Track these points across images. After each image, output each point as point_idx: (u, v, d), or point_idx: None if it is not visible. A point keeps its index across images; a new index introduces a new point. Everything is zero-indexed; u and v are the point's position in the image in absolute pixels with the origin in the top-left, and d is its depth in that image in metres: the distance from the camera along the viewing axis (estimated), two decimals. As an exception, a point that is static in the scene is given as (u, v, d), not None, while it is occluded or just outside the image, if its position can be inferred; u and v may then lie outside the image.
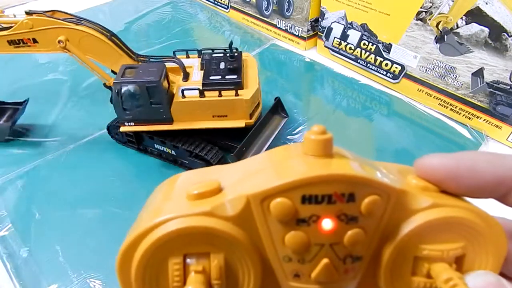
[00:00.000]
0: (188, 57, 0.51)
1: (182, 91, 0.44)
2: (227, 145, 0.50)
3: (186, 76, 0.47)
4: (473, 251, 0.14)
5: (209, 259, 0.14)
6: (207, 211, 0.14)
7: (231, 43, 0.47)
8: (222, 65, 0.46)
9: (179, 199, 0.14)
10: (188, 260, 0.14)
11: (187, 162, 0.48)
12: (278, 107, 0.54)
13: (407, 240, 0.14)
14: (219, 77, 0.45)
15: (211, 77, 0.45)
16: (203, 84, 0.44)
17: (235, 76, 0.45)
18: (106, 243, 0.40)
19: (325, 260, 0.14)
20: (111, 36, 0.46)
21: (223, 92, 0.43)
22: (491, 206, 0.17)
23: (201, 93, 0.43)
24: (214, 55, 0.49)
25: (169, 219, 0.13)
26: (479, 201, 0.15)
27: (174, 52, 0.50)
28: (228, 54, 0.48)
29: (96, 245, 0.40)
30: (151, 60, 0.48)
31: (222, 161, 0.48)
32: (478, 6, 0.48)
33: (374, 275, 0.15)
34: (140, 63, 0.47)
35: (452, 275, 0.13)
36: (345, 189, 0.13)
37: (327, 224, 0.13)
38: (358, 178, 0.13)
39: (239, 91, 0.44)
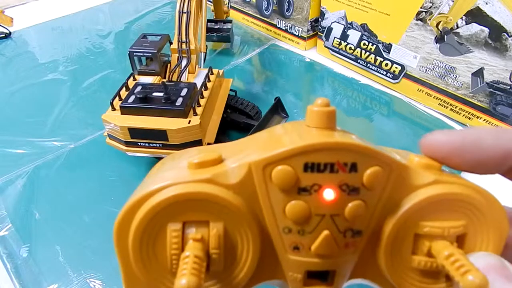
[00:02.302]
0: None
1: None
2: (227, 145, 0.50)
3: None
4: (474, 231, 0.14)
5: (208, 228, 0.14)
6: (208, 178, 0.13)
7: None
8: None
9: (179, 168, 0.14)
10: (186, 228, 0.14)
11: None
12: (278, 107, 0.54)
13: (408, 216, 0.14)
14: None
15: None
16: None
17: None
18: (106, 243, 0.40)
19: (325, 232, 0.14)
20: None
21: None
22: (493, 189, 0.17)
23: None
24: None
25: (169, 185, 0.13)
26: (482, 182, 0.15)
27: None
28: None
29: (96, 245, 0.40)
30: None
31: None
32: (478, 6, 0.48)
33: (374, 253, 0.15)
34: None
35: (454, 251, 0.13)
36: (348, 158, 0.13)
37: (329, 194, 0.13)
38: (361, 147, 0.13)
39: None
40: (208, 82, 0.46)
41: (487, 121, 0.54)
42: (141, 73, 0.48)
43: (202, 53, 0.52)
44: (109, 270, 0.38)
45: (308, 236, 0.14)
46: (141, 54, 0.46)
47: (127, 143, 0.42)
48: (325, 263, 0.14)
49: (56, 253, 0.40)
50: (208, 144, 0.44)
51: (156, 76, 0.48)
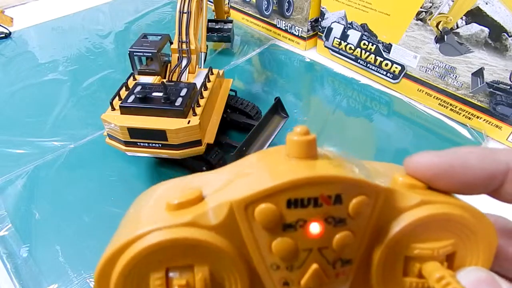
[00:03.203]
0: None
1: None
2: (227, 145, 0.50)
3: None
4: (463, 248, 0.14)
5: (193, 272, 0.13)
6: (189, 222, 0.13)
7: None
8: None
9: (159, 210, 0.14)
10: (170, 274, 0.13)
11: (187, 162, 0.48)
12: (278, 107, 0.54)
13: (397, 240, 0.14)
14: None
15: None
16: None
17: None
18: (106, 243, 0.40)
19: (314, 266, 0.13)
20: None
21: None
22: (481, 203, 0.17)
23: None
24: None
25: (149, 231, 0.13)
26: (469, 198, 0.15)
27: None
28: None
29: (96, 245, 0.40)
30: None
31: (222, 161, 0.48)
32: (478, 6, 0.48)
33: (366, 277, 0.15)
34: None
35: (444, 274, 0.13)
36: (331, 190, 0.13)
37: (315, 228, 0.13)
38: (344, 179, 0.13)
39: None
40: (208, 82, 0.46)
41: (487, 121, 0.54)
42: (141, 73, 0.48)
43: (203, 53, 0.52)
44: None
45: (297, 271, 0.14)
46: (141, 54, 0.46)
47: (126, 143, 0.42)
48: None
49: (56, 253, 0.40)
50: (208, 144, 0.44)
51: (156, 76, 0.48)
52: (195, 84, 0.45)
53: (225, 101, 0.51)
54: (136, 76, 0.47)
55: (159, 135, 0.41)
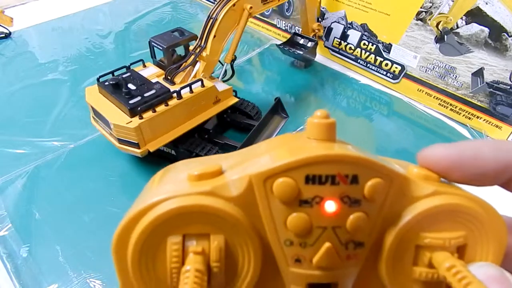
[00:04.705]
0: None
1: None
2: (228, 145, 0.50)
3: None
4: (474, 241, 0.14)
5: (209, 241, 0.13)
6: (208, 191, 0.13)
7: None
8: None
9: (178, 180, 0.14)
10: (187, 243, 0.13)
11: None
12: (278, 107, 0.54)
13: (409, 228, 0.14)
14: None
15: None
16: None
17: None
18: (106, 243, 0.40)
19: (327, 244, 0.14)
20: None
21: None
22: (494, 199, 0.17)
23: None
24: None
25: (169, 197, 0.13)
26: (483, 194, 0.15)
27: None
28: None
29: (96, 245, 0.40)
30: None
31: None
32: (478, 6, 0.48)
33: (375, 265, 0.15)
34: None
35: (455, 263, 0.13)
36: (348, 170, 0.13)
37: (330, 206, 0.13)
38: (362, 159, 0.13)
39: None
40: (190, 92, 0.44)
41: (487, 121, 0.54)
42: (156, 63, 0.50)
43: (227, 64, 0.51)
44: (109, 270, 0.38)
45: (309, 248, 0.14)
46: (156, 45, 0.47)
47: (93, 117, 0.47)
48: (327, 275, 0.14)
49: (56, 253, 0.40)
50: (149, 152, 0.43)
51: (159, 70, 0.49)
52: (169, 89, 0.44)
53: (212, 115, 0.48)
54: (147, 64, 0.50)
55: (107, 123, 0.43)
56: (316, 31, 0.68)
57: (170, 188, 0.14)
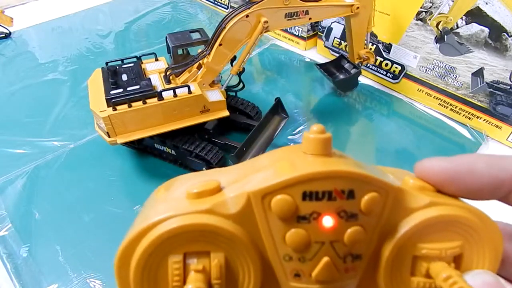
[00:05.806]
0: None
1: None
2: (228, 145, 0.50)
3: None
4: (470, 250, 0.15)
5: (209, 258, 0.14)
6: (208, 209, 0.13)
7: None
8: (124, 77, 0.46)
9: (178, 198, 0.14)
10: (188, 261, 0.14)
11: (187, 162, 0.48)
12: (278, 107, 0.54)
13: (406, 239, 0.14)
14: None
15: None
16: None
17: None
18: (106, 243, 0.40)
19: (325, 259, 0.14)
20: None
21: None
22: (492, 209, 0.17)
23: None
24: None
25: (169, 217, 0.13)
26: (481, 203, 0.15)
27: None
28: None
29: (96, 245, 0.40)
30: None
31: (222, 161, 0.48)
32: (478, 6, 0.48)
33: (373, 276, 0.15)
34: None
35: (452, 273, 0.13)
36: (344, 185, 0.13)
37: (328, 221, 0.13)
38: (357, 174, 0.13)
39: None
40: (173, 96, 0.44)
41: (487, 121, 0.54)
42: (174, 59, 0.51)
43: (231, 75, 0.49)
44: (109, 270, 0.38)
45: (308, 263, 0.14)
46: (167, 42, 0.49)
47: None
48: None
49: (56, 253, 0.40)
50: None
51: (165, 66, 0.50)
52: (152, 88, 0.44)
53: (195, 123, 0.47)
54: (160, 58, 0.52)
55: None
56: (364, 57, 0.58)
57: (170, 206, 0.14)
